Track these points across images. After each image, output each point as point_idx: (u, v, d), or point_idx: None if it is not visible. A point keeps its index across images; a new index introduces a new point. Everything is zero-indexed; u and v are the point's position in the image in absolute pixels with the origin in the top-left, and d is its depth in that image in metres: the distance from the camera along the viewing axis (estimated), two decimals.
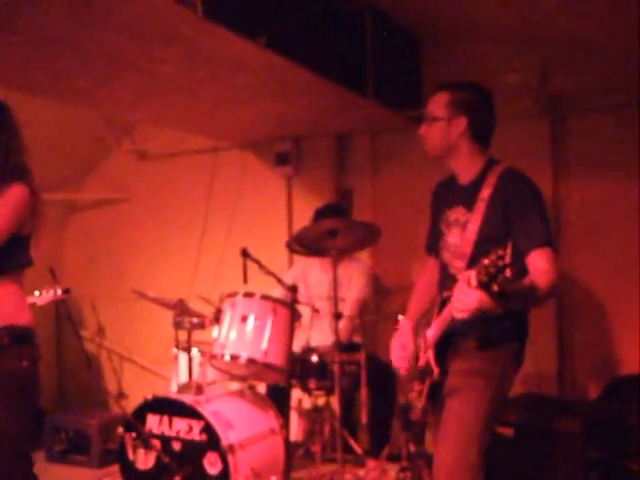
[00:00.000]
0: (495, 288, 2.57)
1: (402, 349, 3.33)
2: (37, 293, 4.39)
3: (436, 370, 3.14)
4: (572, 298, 5.32)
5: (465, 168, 3.24)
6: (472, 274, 2.62)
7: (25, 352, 2.93)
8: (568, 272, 5.24)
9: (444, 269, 3.31)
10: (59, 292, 4.42)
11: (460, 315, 2.78)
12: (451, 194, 3.32)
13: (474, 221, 3.12)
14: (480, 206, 3.12)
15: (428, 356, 3.18)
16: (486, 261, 2.53)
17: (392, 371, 5.16)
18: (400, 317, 3.44)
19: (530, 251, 2.98)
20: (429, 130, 3.24)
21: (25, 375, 2.94)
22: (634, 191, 5.08)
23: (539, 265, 2.96)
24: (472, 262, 3.02)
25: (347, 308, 5.26)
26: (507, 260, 2.49)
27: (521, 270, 2.94)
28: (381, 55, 5.10)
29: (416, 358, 3.27)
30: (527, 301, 3.02)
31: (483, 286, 2.58)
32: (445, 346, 3.16)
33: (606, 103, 5.16)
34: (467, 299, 2.70)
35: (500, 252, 2.49)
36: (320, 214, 5.27)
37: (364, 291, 5.45)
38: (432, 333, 3.17)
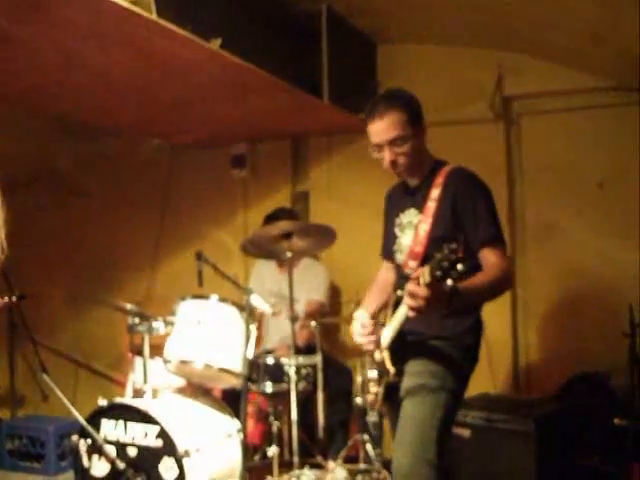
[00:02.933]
0: (449, 282, 2.58)
1: (362, 327, 3.29)
2: None
3: (391, 369, 3.14)
4: (527, 297, 5.37)
5: (416, 171, 3.25)
6: (425, 269, 2.63)
7: None
8: (523, 271, 5.30)
9: (398, 270, 3.32)
10: (14, 298, 4.35)
11: (413, 313, 2.79)
12: (402, 198, 3.35)
13: (425, 221, 3.14)
14: (430, 206, 3.14)
15: (383, 357, 3.19)
16: (438, 255, 2.55)
17: (349, 373, 5.20)
18: (356, 313, 3.44)
19: (480, 248, 3.04)
20: (399, 154, 3.14)
21: None
22: (586, 190, 5.15)
23: (489, 261, 3.01)
24: (425, 262, 3.03)
25: (303, 310, 5.26)
26: (459, 254, 2.51)
27: (473, 267, 2.98)
28: (337, 57, 5.10)
29: (377, 335, 3.25)
30: (479, 298, 3.07)
31: (438, 281, 2.58)
32: (401, 346, 3.16)
33: (560, 106, 5.22)
34: (418, 298, 2.70)
35: (452, 246, 2.51)
36: (270, 218, 5.25)
37: (321, 294, 5.45)
38: (387, 333, 3.17)
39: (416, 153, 3.18)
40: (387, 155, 3.16)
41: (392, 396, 3.21)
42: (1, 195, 3.00)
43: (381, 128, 3.14)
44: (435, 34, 5.41)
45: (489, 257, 3.03)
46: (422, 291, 2.66)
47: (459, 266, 2.53)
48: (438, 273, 2.57)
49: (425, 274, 2.62)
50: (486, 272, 2.99)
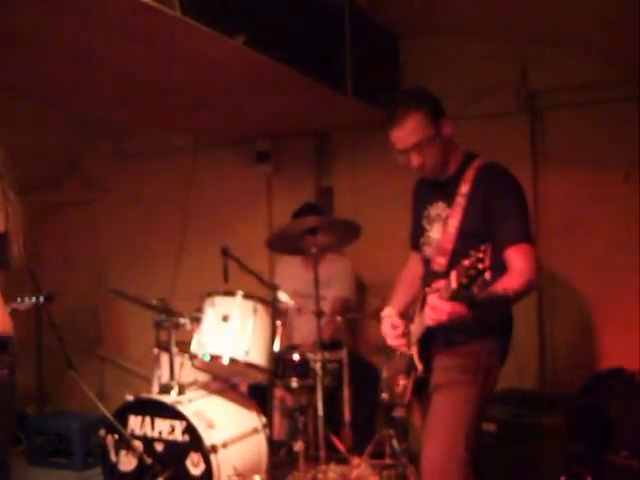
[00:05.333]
0: (475, 290, 2.58)
1: (393, 327, 3.32)
2: (19, 300, 4.34)
3: (420, 366, 3.14)
4: (552, 293, 5.34)
5: (445, 166, 3.23)
6: (452, 276, 2.63)
7: (3, 361, 2.86)
8: (548, 267, 5.26)
9: (427, 264, 3.32)
10: (41, 299, 4.37)
11: (432, 324, 2.83)
12: (431, 190, 3.33)
13: (454, 217, 3.13)
14: (460, 202, 3.13)
15: (412, 352, 3.19)
16: (466, 262, 2.55)
17: (374, 368, 5.19)
18: (385, 312, 3.44)
19: (507, 247, 3.01)
20: (427, 155, 3.14)
21: (2, 383, 2.87)
22: (613, 184, 5.11)
23: (515, 264, 2.99)
24: (453, 258, 3.04)
25: (329, 306, 5.25)
26: (487, 263, 2.50)
27: (500, 263, 2.97)
28: (360, 52, 5.10)
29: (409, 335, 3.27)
30: (500, 306, 3.05)
31: (464, 287, 2.58)
32: (430, 341, 3.16)
33: (585, 99, 5.18)
34: (438, 311, 2.75)
35: (479, 255, 2.50)
36: (298, 215, 5.25)
37: (347, 290, 5.45)
38: (415, 329, 3.17)
39: (442, 150, 3.17)
40: (414, 159, 3.16)
41: (421, 391, 3.21)
42: (20, 203, 3.00)
43: (403, 134, 3.14)
44: (458, 27, 5.39)
45: (514, 259, 3.00)
46: (441, 306, 2.72)
47: (486, 275, 2.53)
48: (464, 281, 2.57)
49: (452, 280, 2.63)
50: (509, 278, 2.95)
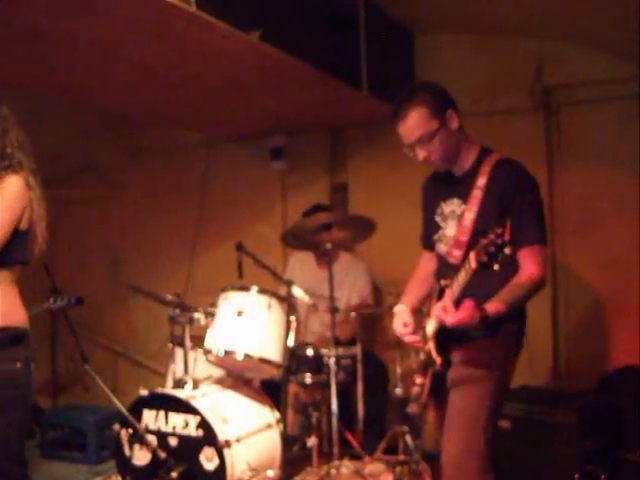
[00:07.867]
0: (496, 267, 2.57)
1: (404, 325, 3.31)
2: (52, 300, 4.39)
3: (439, 359, 3.13)
4: (567, 289, 5.32)
5: (461, 159, 3.23)
6: (471, 256, 2.64)
7: (19, 354, 2.88)
8: (563, 263, 5.25)
9: (442, 259, 3.31)
10: (72, 301, 4.43)
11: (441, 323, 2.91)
12: (444, 186, 3.32)
13: (470, 210, 3.12)
14: (477, 194, 3.12)
15: (429, 347, 3.18)
16: (484, 241, 2.55)
17: (382, 364, 5.20)
18: (396, 308, 3.43)
19: (521, 248, 3.01)
20: (432, 148, 3.15)
21: (18, 377, 2.89)
22: (628, 182, 5.08)
23: (527, 266, 3.02)
24: (469, 251, 3.03)
25: (345, 306, 5.24)
26: (506, 237, 2.49)
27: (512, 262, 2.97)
28: (375, 47, 5.09)
29: (422, 329, 3.27)
30: (509, 311, 3.04)
31: (483, 266, 2.58)
32: (447, 336, 3.15)
33: (600, 95, 5.16)
34: (448, 316, 2.83)
35: (498, 230, 2.50)
36: (307, 214, 5.21)
37: (366, 291, 5.45)
38: (432, 323, 3.16)
39: (449, 142, 3.17)
40: (419, 154, 3.18)
41: (438, 388, 3.21)
42: (42, 189, 3.03)
43: (406, 129, 3.17)
44: (473, 23, 5.38)
45: (526, 261, 3.03)
46: (452, 314, 2.84)
47: (506, 250, 2.53)
48: (484, 259, 2.57)
49: (471, 260, 2.63)
50: (519, 282, 3.02)
